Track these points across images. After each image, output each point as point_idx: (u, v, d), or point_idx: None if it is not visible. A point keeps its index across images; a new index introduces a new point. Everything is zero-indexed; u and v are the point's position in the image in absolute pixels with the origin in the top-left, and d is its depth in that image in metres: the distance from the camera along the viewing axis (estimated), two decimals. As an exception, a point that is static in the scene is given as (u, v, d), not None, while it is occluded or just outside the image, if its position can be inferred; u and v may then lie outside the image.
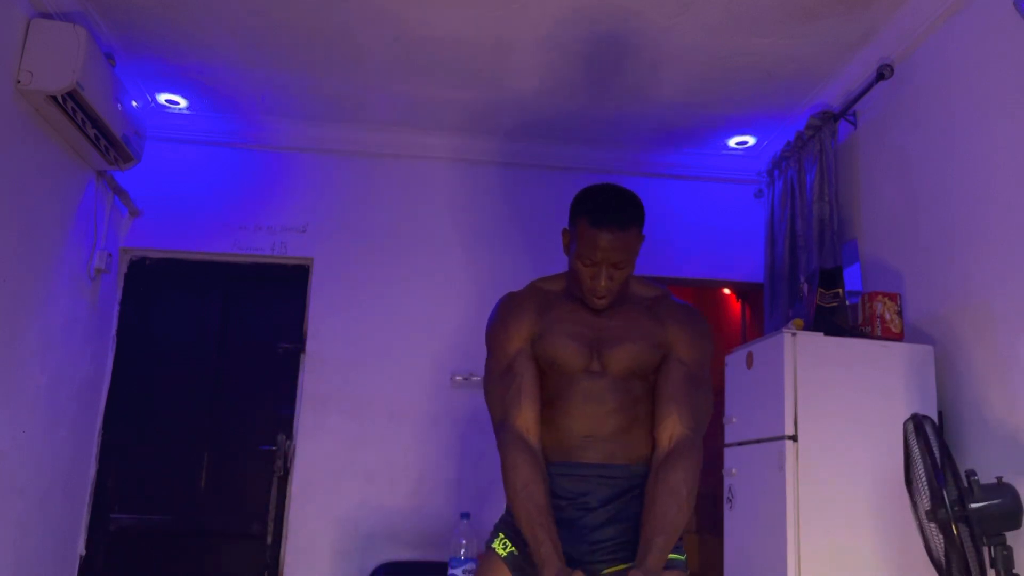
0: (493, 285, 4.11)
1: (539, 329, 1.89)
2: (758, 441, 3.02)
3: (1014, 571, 2.21)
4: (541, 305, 1.93)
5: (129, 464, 4.12)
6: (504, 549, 1.84)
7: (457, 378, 4.23)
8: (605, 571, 1.80)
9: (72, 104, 3.24)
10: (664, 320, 1.91)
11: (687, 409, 1.83)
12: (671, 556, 1.79)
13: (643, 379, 1.90)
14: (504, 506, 1.93)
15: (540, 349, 1.88)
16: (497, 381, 1.89)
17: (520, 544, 1.83)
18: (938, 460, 2.29)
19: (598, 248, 1.80)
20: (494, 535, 1.89)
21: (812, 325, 3.06)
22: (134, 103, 3.78)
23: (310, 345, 4.25)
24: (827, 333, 2.97)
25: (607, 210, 1.82)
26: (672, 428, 1.81)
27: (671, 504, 1.70)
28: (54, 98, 3.17)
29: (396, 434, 4.18)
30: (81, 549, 4.00)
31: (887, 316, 3.09)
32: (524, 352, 1.88)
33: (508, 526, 1.87)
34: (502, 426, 1.85)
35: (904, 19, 3.23)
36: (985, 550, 2.23)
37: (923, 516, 2.33)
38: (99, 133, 3.50)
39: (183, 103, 4.21)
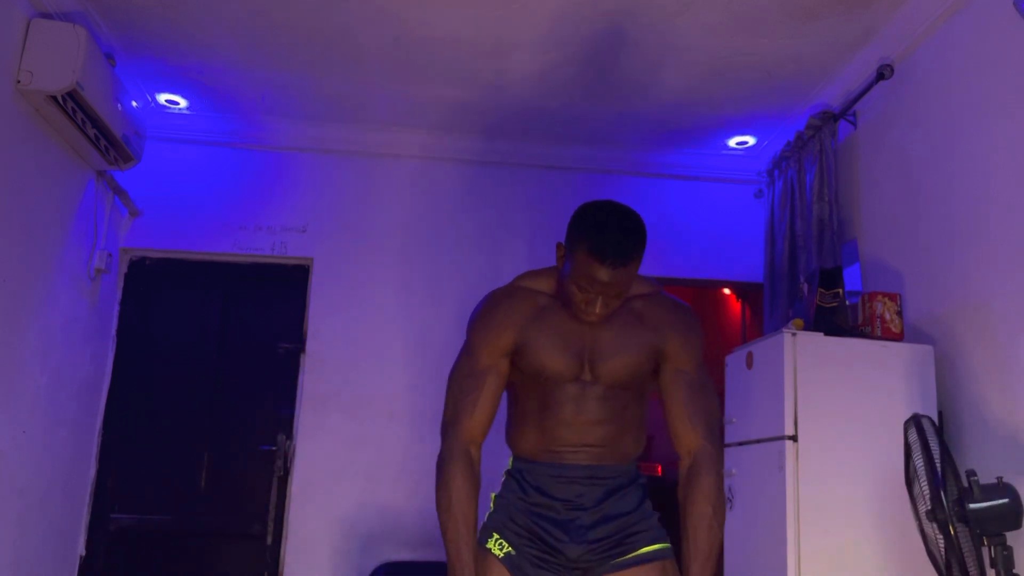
0: (493, 285, 4.09)
1: (525, 338, 1.86)
2: (758, 441, 3.02)
3: (1014, 571, 2.21)
4: (529, 313, 1.89)
5: (129, 464, 4.12)
6: (500, 550, 1.82)
7: (457, 378, 4.23)
8: (602, 567, 1.81)
9: (72, 104, 3.24)
10: (656, 325, 1.89)
11: (699, 418, 1.86)
12: (655, 546, 1.82)
13: (635, 388, 1.90)
14: (489, 505, 1.92)
15: (527, 360, 1.86)
16: (461, 380, 1.90)
17: (516, 544, 1.82)
18: (938, 460, 2.29)
19: (596, 281, 1.73)
20: (486, 535, 1.86)
21: (812, 325, 3.06)
22: (134, 103, 3.78)
23: (310, 345, 4.25)
24: (827, 333, 2.97)
25: (610, 243, 1.71)
26: (689, 442, 1.85)
27: (701, 528, 1.78)
28: (54, 98, 3.17)
29: (396, 434, 4.18)
30: (81, 549, 4.00)
31: (887, 316, 3.09)
32: (496, 367, 1.87)
33: (502, 526, 1.86)
34: (449, 427, 1.89)
35: (904, 19, 3.23)
36: (985, 550, 2.23)
37: (923, 516, 2.33)
38: (99, 133, 3.50)
39: (183, 103, 4.21)
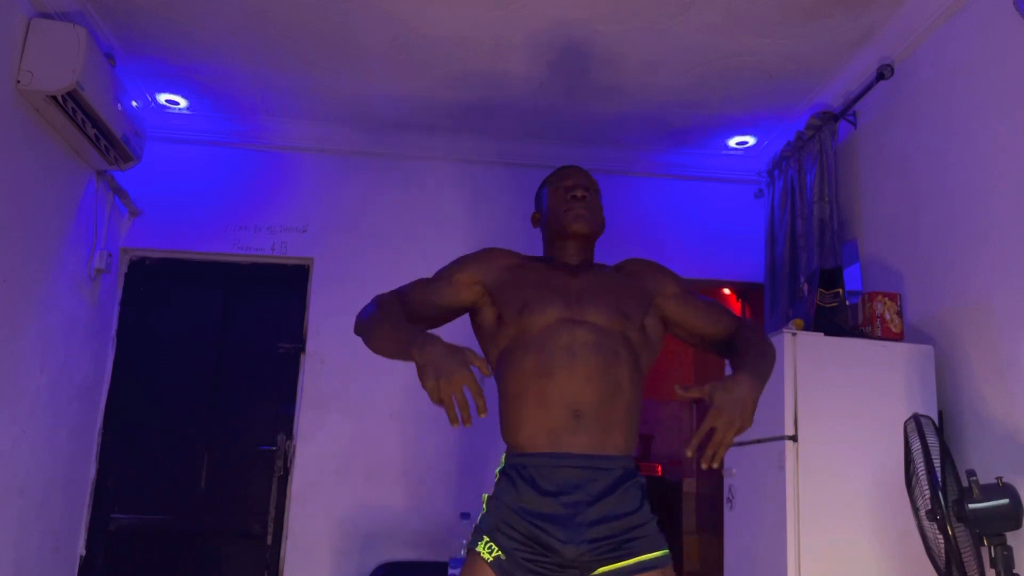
0: (493, 285, 4.11)
1: (504, 281, 1.97)
2: (758, 441, 3.02)
3: (1014, 571, 2.21)
4: (511, 262, 2.04)
5: (129, 464, 4.12)
6: (490, 553, 1.78)
7: (457, 378, 4.22)
8: (600, 570, 1.79)
9: (72, 104, 3.24)
10: (635, 272, 2.06)
11: (722, 311, 2.04)
12: (655, 554, 1.80)
13: (623, 336, 1.90)
14: (481, 506, 1.88)
15: (512, 297, 1.93)
16: (413, 282, 2.06)
17: (507, 548, 1.80)
18: (938, 460, 2.29)
19: (570, 175, 2.06)
20: (477, 538, 1.82)
21: (812, 325, 3.06)
22: (134, 103, 3.78)
23: (310, 345, 4.25)
24: (827, 333, 2.97)
25: (569, 165, 2.14)
26: (727, 329, 2.01)
27: (751, 351, 1.90)
28: (54, 98, 3.17)
29: (396, 434, 4.18)
30: (81, 549, 4.00)
31: (887, 316, 3.09)
32: (453, 283, 2.00)
33: (494, 528, 1.81)
34: (387, 296, 2.03)
35: (904, 19, 3.23)
36: (985, 550, 2.23)
37: (923, 516, 2.33)
38: (99, 133, 3.50)
39: (183, 103, 4.21)
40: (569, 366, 1.84)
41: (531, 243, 2.37)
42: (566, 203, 2.03)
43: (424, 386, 1.65)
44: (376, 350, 1.91)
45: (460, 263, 2.04)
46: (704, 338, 2.04)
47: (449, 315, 2.03)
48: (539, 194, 2.16)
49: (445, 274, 2.04)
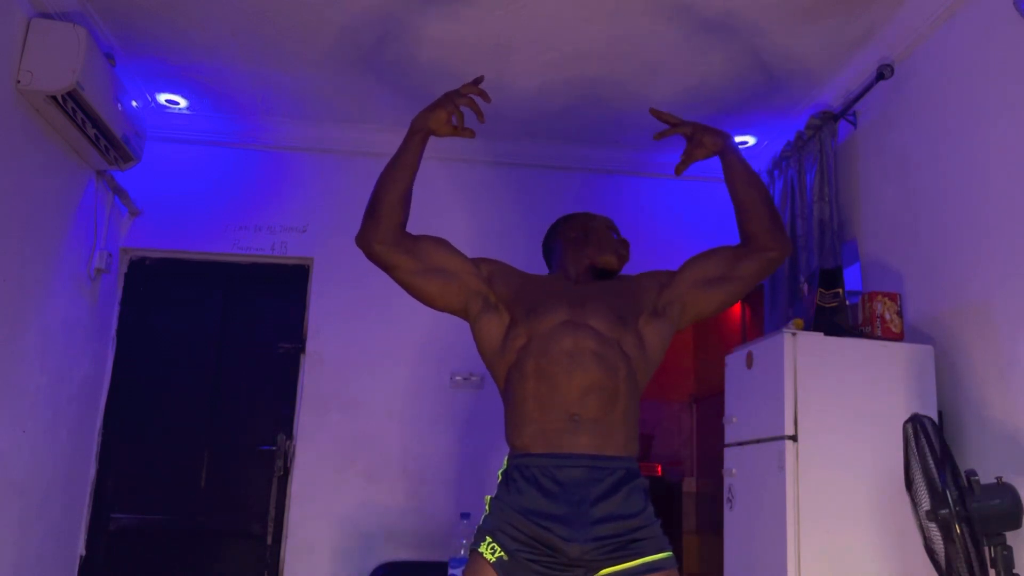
0: (493, 285, 4.11)
1: (517, 283, 2.04)
2: (758, 441, 3.02)
3: (1014, 571, 2.21)
4: (521, 275, 2.10)
5: (129, 464, 4.12)
6: (493, 554, 1.78)
7: (457, 378, 4.23)
8: (605, 571, 1.79)
9: (72, 104, 3.24)
10: (630, 280, 2.11)
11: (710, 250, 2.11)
12: (661, 555, 1.79)
13: (620, 348, 1.90)
14: (484, 508, 1.88)
15: (519, 298, 1.98)
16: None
17: (510, 548, 1.79)
18: (938, 460, 2.29)
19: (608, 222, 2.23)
20: (479, 539, 1.82)
21: (812, 325, 3.06)
22: (134, 103, 3.78)
23: (310, 345, 4.25)
24: (827, 333, 2.97)
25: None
26: (723, 249, 2.09)
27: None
28: (54, 98, 3.18)
29: (396, 434, 4.18)
30: (81, 549, 4.00)
31: (887, 316, 3.09)
32: (468, 266, 2.07)
33: (496, 528, 1.81)
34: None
35: (904, 19, 3.23)
36: (985, 550, 2.23)
37: (923, 516, 2.33)
38: (99, 133, 3.50)
39: (183, 103, 4.21)
40: (568, 373, 1.86)
41: (530, 243, 2.38)
42: (613, 239, 2.18)
43: (434, 111, 2.13)
44: (388, 190, 2.07)
45: (476, 262, 2.11)
46: (714, 265, 2.07)
47: (446, 265, 2.08)
48: (549, 238, 2.33)
49: (461, 257, 2.13)
